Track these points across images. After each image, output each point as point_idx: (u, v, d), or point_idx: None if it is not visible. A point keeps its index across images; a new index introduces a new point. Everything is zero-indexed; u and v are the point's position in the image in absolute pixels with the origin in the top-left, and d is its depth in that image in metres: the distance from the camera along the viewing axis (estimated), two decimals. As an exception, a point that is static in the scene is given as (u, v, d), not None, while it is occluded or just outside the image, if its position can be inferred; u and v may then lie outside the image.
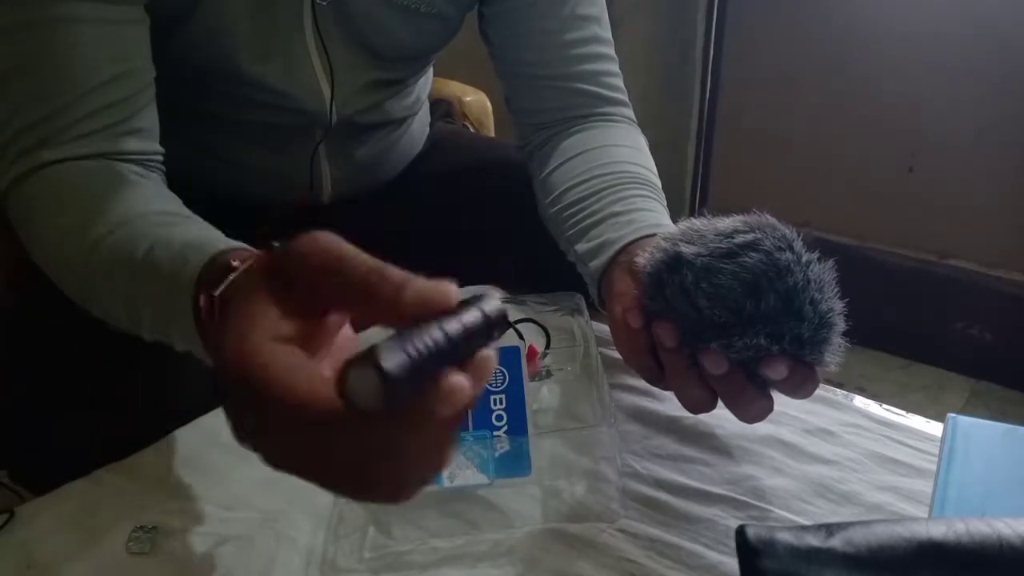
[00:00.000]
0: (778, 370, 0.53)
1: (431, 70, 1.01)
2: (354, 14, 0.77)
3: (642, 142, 0.83)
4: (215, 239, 0.54)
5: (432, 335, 0.33)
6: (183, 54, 0.73)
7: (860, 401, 0.71)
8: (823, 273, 0.54)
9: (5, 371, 0.71)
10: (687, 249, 0.55)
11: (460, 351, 0.34)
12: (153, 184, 0.65)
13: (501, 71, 0.86)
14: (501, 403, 0.62)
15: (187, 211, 0.62)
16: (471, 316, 0.34)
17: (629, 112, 0.86)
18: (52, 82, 0.62)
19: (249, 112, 0.81)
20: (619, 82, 0.86)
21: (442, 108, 1.19)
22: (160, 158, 0.68)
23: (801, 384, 0.54)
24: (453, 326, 0.34)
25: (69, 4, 0.62)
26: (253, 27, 0.73)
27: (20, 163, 0.63)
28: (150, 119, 0.67)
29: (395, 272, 0.36)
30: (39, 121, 0.62)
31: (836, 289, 0.54)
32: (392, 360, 0.31)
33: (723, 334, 0.53)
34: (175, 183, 0.67)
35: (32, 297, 0.74)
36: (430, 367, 0.33)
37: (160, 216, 0.60)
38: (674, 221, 0.68)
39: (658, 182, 0.77)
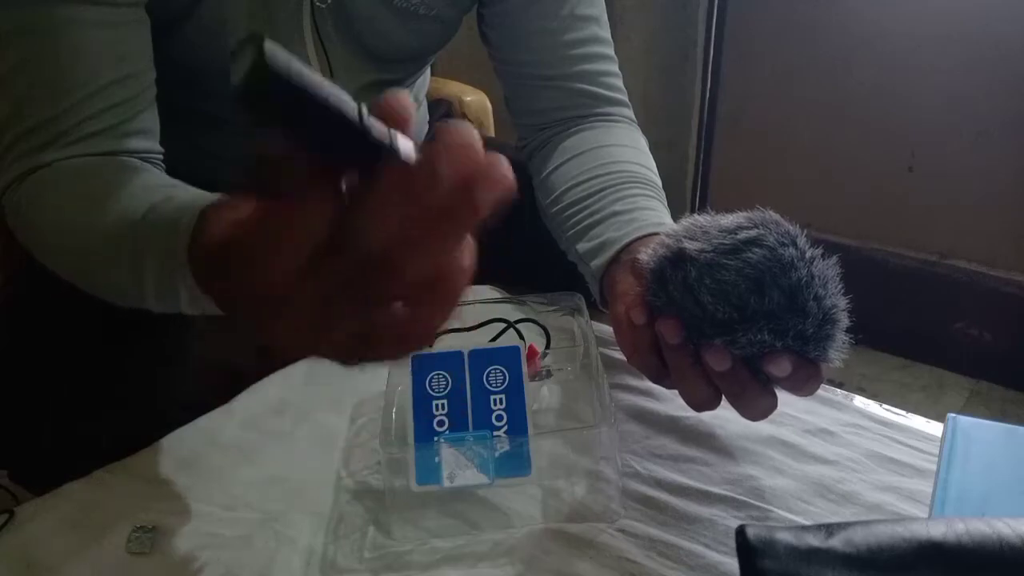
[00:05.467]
0: (782, 366, 0.52)
1: (428, 71, 1.01)
2: (353, 16, 0.77)
3: (642, 142, 0.83)
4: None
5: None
6: (181, 54, 0.73)
7: (860, 401, 0.71)
8: (827, 269, 0.54)
9: (5, 371, 0.71)
10: (691, 245, 0.55)
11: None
12: (155, 170, 0.66)
13: (501, 72, 0.86)
14: (501, 403, 0.62)
15: (192, 187, 0.62)
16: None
17: (629, 112, 0.86)
18: (55, 85, 0.62)
19: (247, 112, 0.81)
20: (619, 82, 0.86)
21: (442, 108, 1.19)
22: (161, 157, 0.68)
23: (805, 381, 0.54)
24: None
25: (71, 7, 0.62)
26: (251, 28, 0.73)
27: (21, 164, 0.63)
28: (151, 120, 0.67)
29: None
30: (42, 124, 0.62)
31: (840, 285, 0.54)
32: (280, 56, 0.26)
33: (727, 330, 0.53)
34: None
35: (32, 298, 0.74)
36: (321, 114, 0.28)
37: (164, 188, 0.60)
38: (675, 221, 0.68)
39: (658, 181, 0.77)
